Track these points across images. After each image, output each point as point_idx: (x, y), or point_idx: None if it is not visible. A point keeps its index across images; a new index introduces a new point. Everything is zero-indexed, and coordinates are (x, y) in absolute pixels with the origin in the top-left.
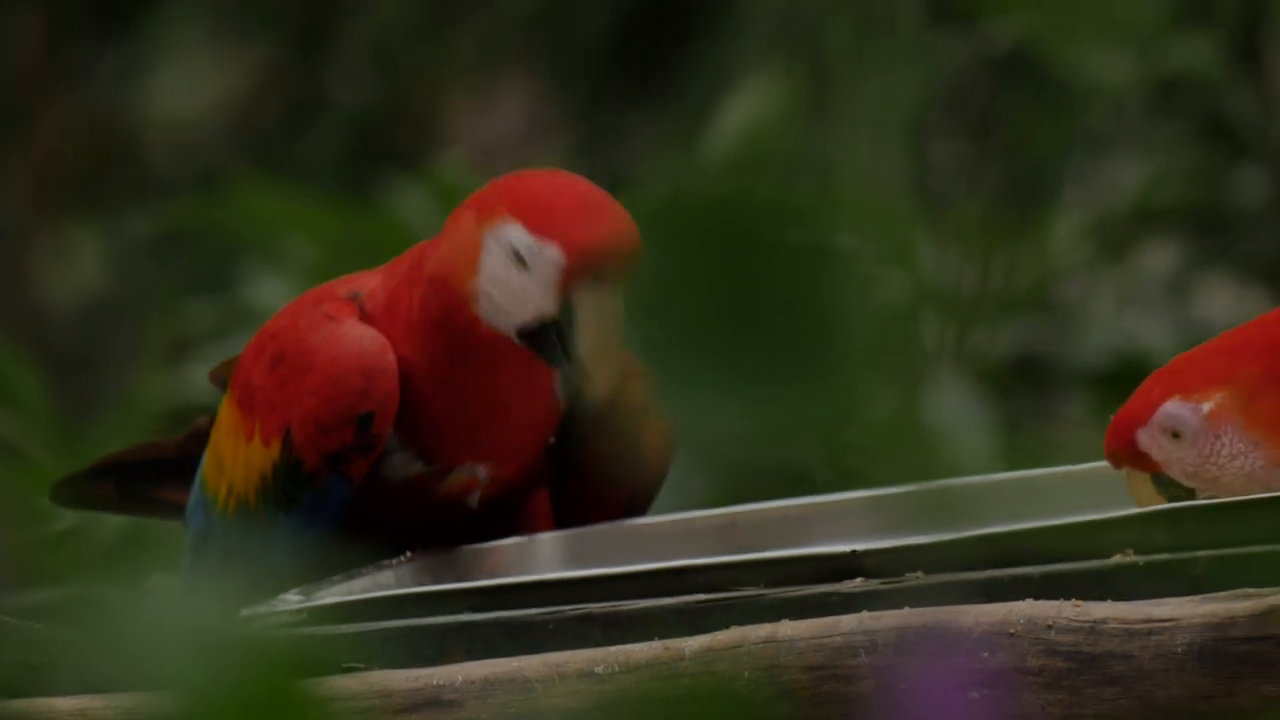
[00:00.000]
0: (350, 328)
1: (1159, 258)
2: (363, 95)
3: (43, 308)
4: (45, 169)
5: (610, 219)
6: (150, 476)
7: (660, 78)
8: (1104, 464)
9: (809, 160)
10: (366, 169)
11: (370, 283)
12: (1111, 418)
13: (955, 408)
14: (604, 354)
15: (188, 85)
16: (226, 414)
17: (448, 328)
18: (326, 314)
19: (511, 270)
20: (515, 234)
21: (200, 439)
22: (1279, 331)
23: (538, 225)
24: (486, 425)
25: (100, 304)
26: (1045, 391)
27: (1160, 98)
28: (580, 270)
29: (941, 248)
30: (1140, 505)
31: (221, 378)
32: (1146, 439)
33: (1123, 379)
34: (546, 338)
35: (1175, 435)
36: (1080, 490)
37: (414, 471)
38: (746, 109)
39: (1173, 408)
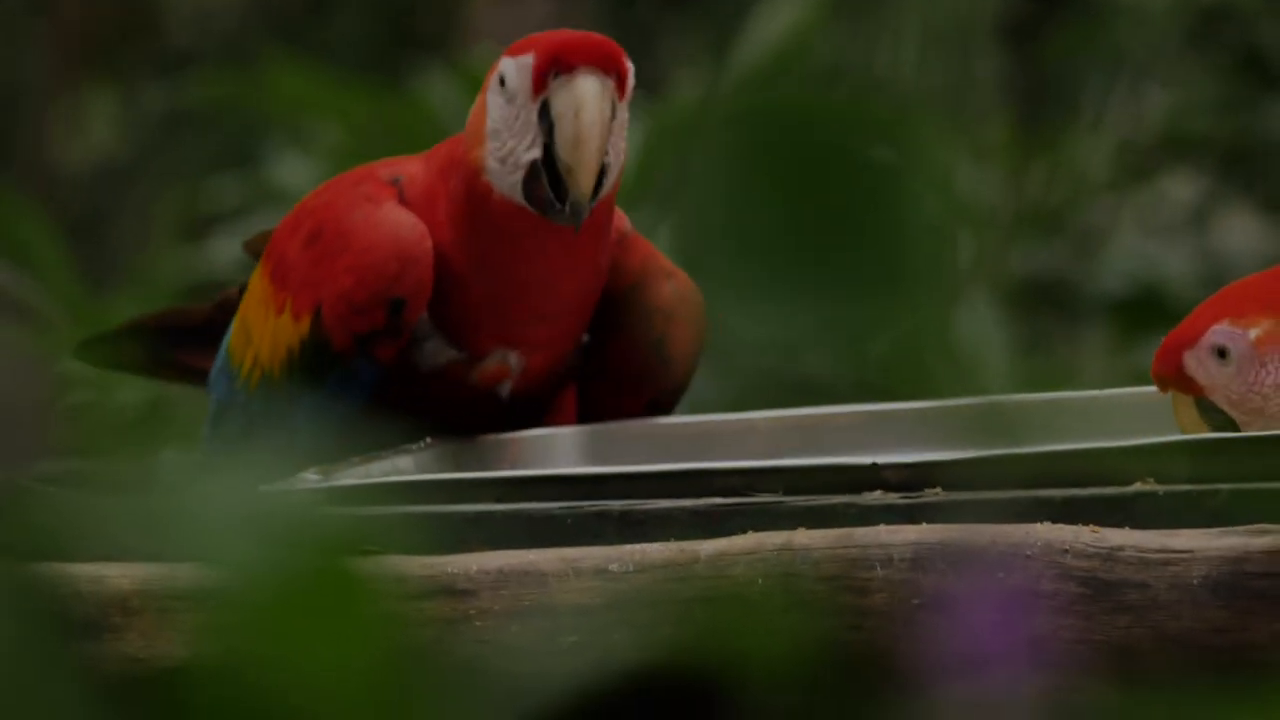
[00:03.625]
0: (389, 211)
1: (1184, 186)
2: None
3: (57, 171)
4: (66, 34)
5: (581, 30)
6: (178, 342)
7: None
8: (1127, 390)
9: (843, 71)
10: (388, 54)
11: (411, 168)
12: (1163, 339)
13: (980, 327)
14: (584, 148)
15: None
16: (257, 285)
17: (470, 207)
18: (366, 195)
19: (501, 108)
20: (502, 67)
21: (228, 309)
22: None
23: (517, 49)
24: (518, 308)
25: (114, 171)
26: (1066, 316)
27: (1197, 26)
28: (549, 64)
29: (974, 164)
30: (1183, 429)
31: (255, 248)
32: (1193, 362)
33: (1142, 306)
34: (539, 177)
35: (1222, 359)
36: (1102, 416)
37: (445, 359)
38: (780, 17)
39: (1220, 332)
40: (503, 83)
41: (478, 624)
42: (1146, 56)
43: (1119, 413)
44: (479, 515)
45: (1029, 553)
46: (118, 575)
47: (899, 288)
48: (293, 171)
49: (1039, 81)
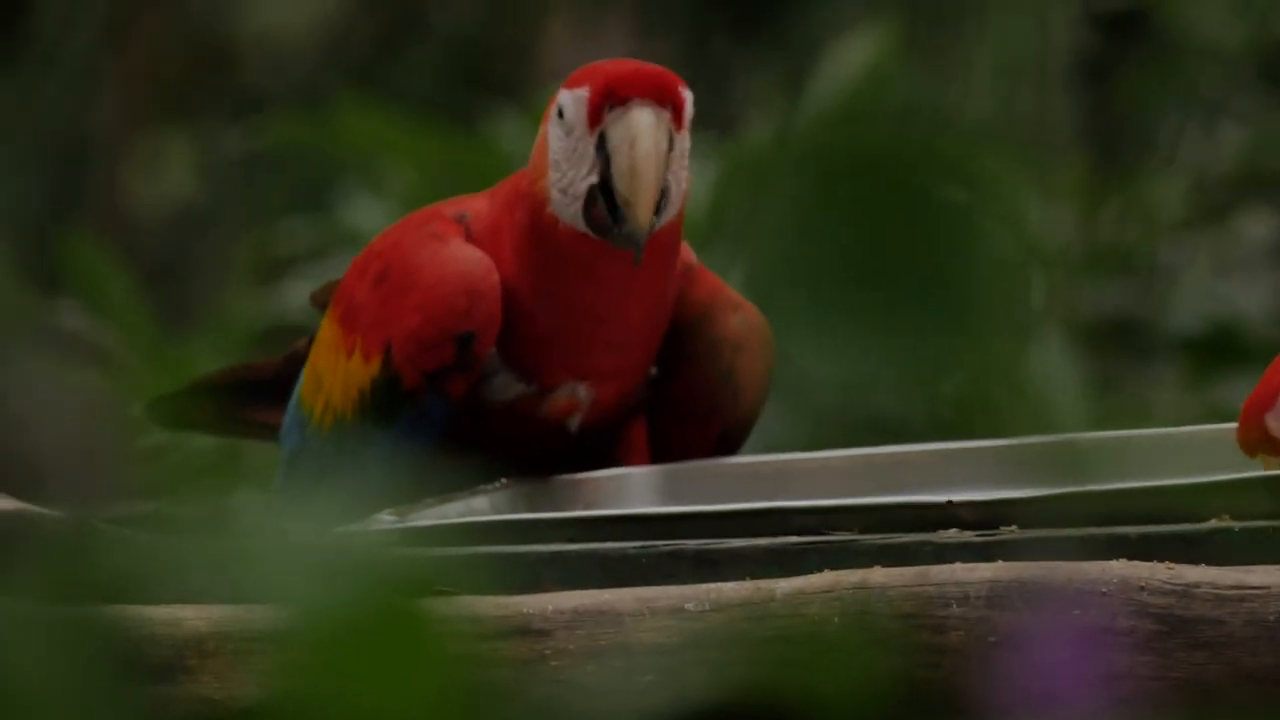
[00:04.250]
0: (456, 248)
1: (1259, 224)
2: (462, 21)
3: (132, 215)
4: (140, 76)
5: (638, 61)
6: (246, 398)
7: (767, 18)
8: (1201, 427)
9: (916, 109)
10: (462, 96)
11: (477, 205)
12: (1243, 404)
13: (1053, 365)
14: (640, 180)
15: (286, 0)
16: (327, 331)
17: (536, 238)
18: (433, 233)
19: (561, 140)
20: (561, 100)
21: (298, 361)
22: None
23: (574, 81)
24: (585, 339)
25: (189, 215)
26: (1139, 354)
27: (1271, 63)
28: (603, 97)
29: (1047, 202)
30: None
31: (322, 300)
32: (1275, 424)
33: (1216, 345)
34: (596, 201)
35: None
36: (1177, 453)
37: (515, 393)
38: (854, 55)
39: None
40: (561, 115)
41: (553, 664)
42: (1221, 94)
43: (1194, 449)
44: (554, 555)
45: (1105, 590)
46: (193, 617)
47: (971, 326)
48: (366, 214)
49: (1113, 119)
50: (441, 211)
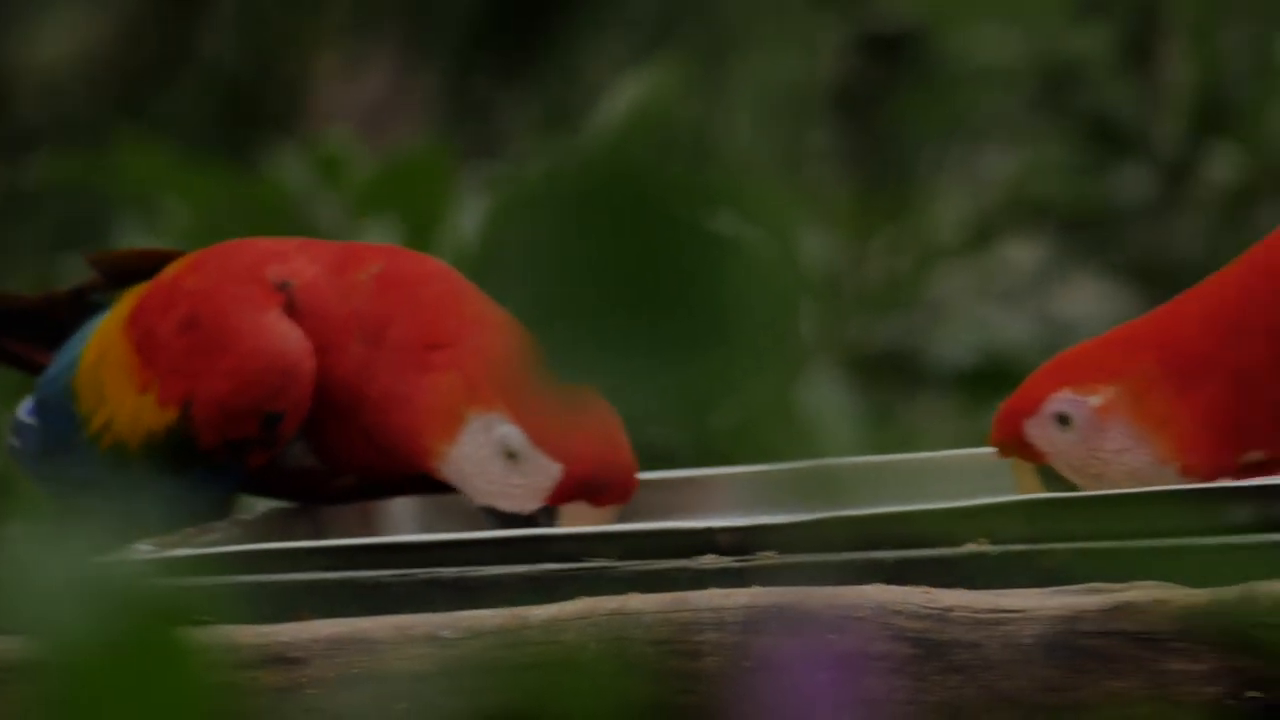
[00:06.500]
0: (276, 321)
1: (1027, 252)
2: (231, 54)
3: None
4: None
5: (617, 449)
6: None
7: (535, 52)
8: (962, 452)
9: (689, 141)
10: (233, 129)
11: (304, 272)
12: (1000, 406)
13: (825, 397)
14: None
15: (52, 33)
16: (118, 345)
17: (384, 437)
18: (250, 298)
19: (498, 461)
20: (508, 436)
21: (57, 306)
22: (1172, 326)
23: (537, 434)
24: (381, 460)
25: None
26: (912, 385)
27: (1046, 89)
28: (578, 490)
29: (819, 232)
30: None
31: (102, 264)
32: (1035, 430)
33: (987, 375)
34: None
35: (1064, 427)
36: (936, 478)
37: (307, 463)
38: (629, 91)
39: (1061, 399)
40: (511, 453)
41: (309, 692)
42: (994, 119)
43: (953, 474)
44: (310, 584)
45: (861, 614)
46: None
47: (741, 357)
48: None
49: (884, 146)
50: (263, 273)
